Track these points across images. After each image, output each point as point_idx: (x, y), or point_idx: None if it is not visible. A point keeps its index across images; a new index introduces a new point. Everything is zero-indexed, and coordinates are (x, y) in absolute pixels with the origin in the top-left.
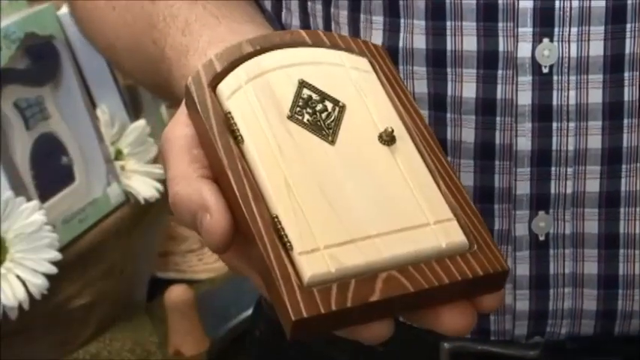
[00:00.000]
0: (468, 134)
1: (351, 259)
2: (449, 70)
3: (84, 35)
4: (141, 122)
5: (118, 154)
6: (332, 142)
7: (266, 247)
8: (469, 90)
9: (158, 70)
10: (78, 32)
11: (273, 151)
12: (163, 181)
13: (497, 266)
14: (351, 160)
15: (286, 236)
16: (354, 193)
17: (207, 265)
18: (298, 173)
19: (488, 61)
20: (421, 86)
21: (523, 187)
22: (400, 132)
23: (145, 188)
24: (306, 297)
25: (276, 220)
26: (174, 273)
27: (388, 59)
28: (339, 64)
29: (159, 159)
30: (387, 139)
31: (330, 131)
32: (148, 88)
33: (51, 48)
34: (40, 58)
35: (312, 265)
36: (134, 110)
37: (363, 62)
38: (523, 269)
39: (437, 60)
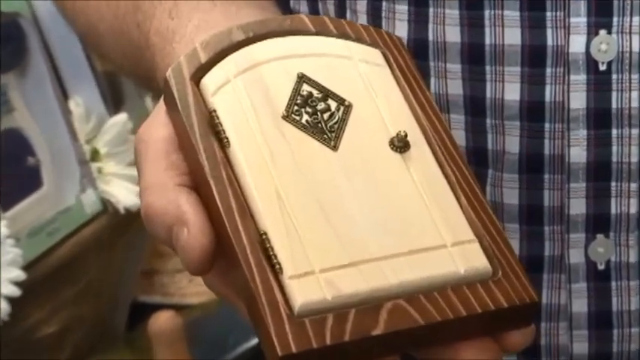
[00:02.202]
0: (512, 144)
1: (351, 286)
2: (488, 68)
3: (63, 17)
4: (122, 116)
5: (95, 155)
6: (334, 148)
7: (251, 268)
8: (512, 91)
9: (142, 58)
10: (48, 9)
11: (265, 157)
12: None
13: (525, 297)
14: (355, 169)
15: (275, 257)
16: (357, 207)
17: (199, 288)
18: (293, 184)
19: (534, 57)
20: (455, 87)
21: (577, 206)
22: (415, 137)
23: (126, 195)
24: (297, 329)
25: (264, 237)
26: (160, 296)
27: (405, 51)
28: (346, 56)
29: None
30: (400, 144)
31: (333, 135)
32: (133, 79)
33: (16, 28)
34: (4, 40)
35: (304, 292)
36: (114, 102)
37: (375, 54)
38: (580, 305)
39: (474, 56)
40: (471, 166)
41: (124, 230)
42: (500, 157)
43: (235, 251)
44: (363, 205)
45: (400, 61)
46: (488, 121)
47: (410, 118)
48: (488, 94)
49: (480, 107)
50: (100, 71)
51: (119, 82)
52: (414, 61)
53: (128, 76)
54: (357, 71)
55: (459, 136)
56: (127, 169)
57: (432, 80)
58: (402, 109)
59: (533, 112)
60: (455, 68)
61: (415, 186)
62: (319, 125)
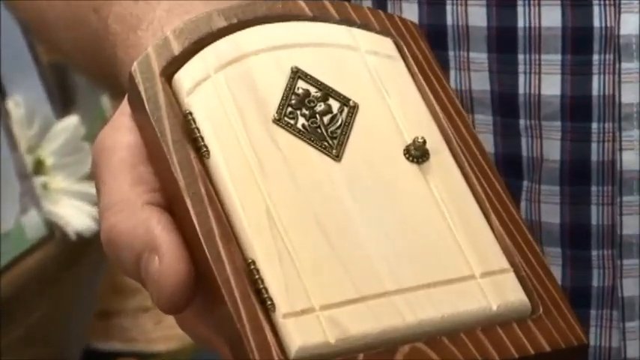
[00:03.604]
0: (551, 149)
1: (359, 325)
2: (521, 57)
3: (4, 3)
4: (72, 119)
5: (39, 167)
6: (337, 158)
7: (236, 305)
8: (551, 85)
9: (100, 50)
10: None
11: (252, 169)
12: None
13: (572, 339)
14: (363, 183)
15: (266, 290)
16: (366, 230)
17: (169, 331)
18: (287, 201)
19: (578, 42)
20: (481, 82)
21: (632, 225)
22: (436, 144)
23: (77, 217)
24: None
25: (252, 267)
26: (119, 342)
27: (423, 40)
28: (351, 46)
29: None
30: (417, 153)
31: (335, 142)
32: (88, 76)
33: None
34: None
35: (302, 333)
36: (63, 102)
37: (386, 44)
38: (635, 348)
39: (504, 43)
40: (502, 178)
41: (74, 260)
42: (537, 165)
43: (217, 284)
44: (373, 228)
45: (416, 51)
46: (521, 122)
47: (429, 122)
48: (521, 90)
49: (512, 106)
50: (45, 63)
51: (69, 76)
52: (432, 51)
53: (82, 72)
54: (364, 65)
55: (487, 141)
56: (78, 185)
57: (452, 74)
58: (419, 111)
59: (576, 109)
60: (480, 58)
61: (436, 203)
62: (318, 130)
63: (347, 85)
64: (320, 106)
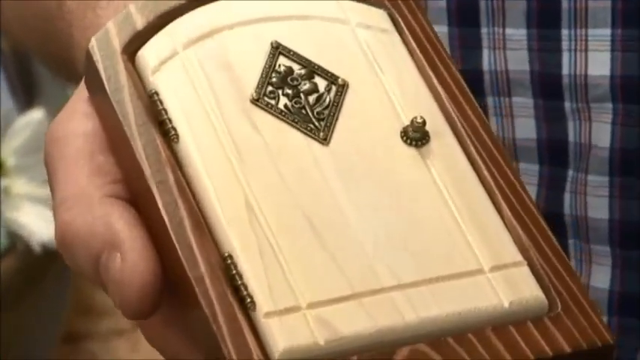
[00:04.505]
0: (601, 134)
1: (352, 325)
2: (565, 32)
3: None
4: (37, 114)
5: None
6: (325, 141)
7: (212, 305)
8: (600, 63)
9: (54, 31)
10: None
11: (228, 154)
12: None
13: (596, 339)
14: (354, 169)
15: (245, 287)
16: (359, 220)
17: (148, 355)
18: (268, 189)
19: (629, 14)
20: (519, 61)
21: None
22: (437, 125)
23: (42, 226)
24: None
25: (228, 262)
26: None
27: (422, 13)
28: (339, 18)
29: None
30: (416, 135)
31: (322, 124)
32: (45, 61)
33: None
34: None
35: (286, 334)
36: (25, 93)
37: (379, 16)
38: None
39: (545, 16)
40: (544, 166)
41: (39, 276)
42: (584, 153)
43: (189, 282)
44: (367, 218)
45: (414, 25)
46: (567, 104)
47: (429, 101)
48: (565, 70)
49: (556, 87)
50: (6, 51)
51: (33, 64)
52: (430, 23)
53: (41, 59)
54: (354, 39)
55: (527, 126)
56: (43, 189)
57: (485, 53)
58: (417, 90)
59: (629, 89)
60: (518, 35)
61: (439, 190)
62: (303, 111)
63: (335, 61)
64: (304, 85)
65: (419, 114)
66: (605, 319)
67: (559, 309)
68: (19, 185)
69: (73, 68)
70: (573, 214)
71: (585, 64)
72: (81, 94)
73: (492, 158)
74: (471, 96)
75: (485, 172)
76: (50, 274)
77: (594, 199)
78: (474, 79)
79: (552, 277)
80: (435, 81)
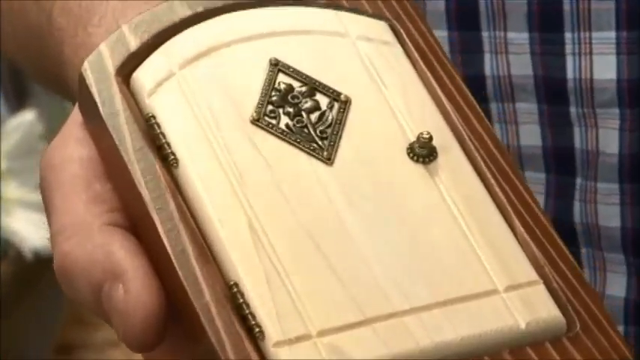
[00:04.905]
0: (609, 140)
1: (365, 352)
2: (569, 35)
3: None
4: (28, 115)
5: None
6: (329, 160)
7: (219, 335)
8: (606, 67)
9: (43, 48)
10: None
11: (229, 177)
12: None
13: (616, 357)
14: (361, 189)
15: (253, 316)
16: (368, 243)
17: None
18: (272, 213)
19: (634, 15)
20: (522, 65)
21: None
22: (444, 140)
23: (34, 232)
24: None
25: (235, 290)
26: None
27: (423, 22)
28: (338, 32)
29: None
30: (423, 152)
31: (326, 142)
32: (36, 77)
33: None
34: None
35: None
36: (17, 95)
37: (380, 28)
38: None
39: (548, 19)
40: (551, 175)
41: (31, 284)
42: (592, 160)
43: (195, 312)
44: (376, 240)
45: (416, 35)
46: (572, 109)
47: (435, 115)
48: (570, 74)
49: (560, 91)
50: None
51: None
52: (433, 34)
53: (29, 74)
54: (355, 53)
55: (532, 133)
56: (36, 194)
57: (487, 57)
58: (423, 103)
59: (637, 93)
60: (520, 39)
61: (448, 208)
62: (305, 130)
63: (336, 77)
64: (306, 103)
65: (425, 129)
66: (621, 328)
67: (578, 328)
68: (10, 190)
69: (64, 85)
70: (584, 222)
71: (590, 67)
72: (75, 118)
73: (501, 171)
74: (477, 106)
75: (496, 188)
76: (43, 282)
77: (605, 207)
78: (476, 85)
79: (569, 295)
80: (439, 92)
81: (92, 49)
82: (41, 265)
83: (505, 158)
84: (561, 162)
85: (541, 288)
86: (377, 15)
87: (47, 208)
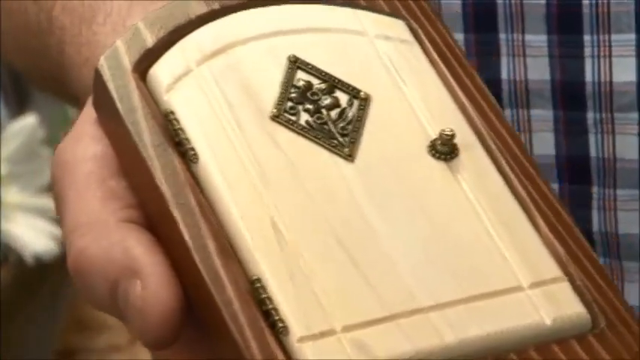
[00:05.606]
0: (627, 147)
1: (389, 348)
2: (587, 37)
3: None
4: (29, 120)
5: None
6: (350, 157)
7: (242, 330)
8: (625, 70)
9: (43, 48)
10: None
11: (251, 173)
12: None
13: None
14: (383, 186)
15: (276, 311)
16: (391, 239)
17: None
18: (294, 210)
19: None
20: (538, 69)
21: None
22: (465, 138)
23: (35, 237)
24: None
25: (257, 285)
26: None
27: (440, 22)
28: (357, 30)
29: None
30: (445, 149)
31: (347, 139)
32: (33, 78)
33: None
34: None
35: (322, 359)
36: (18, 98)
37: (398, 27)
38: None
39: (566, 21)
40: (565, 184)
41: (33, 289)
42: (609, 167)
43: (217, 308)
44: (400, 236)
45: (434, 35)
46: (589, 115)
47: (455, 113)
48: (588, 77)
49: (578, 97)
50: None
51: None
52: (451, 33)
53: (28, 76)
54: (374, 51)
55: (547, 140)
56: (37, 199)
57: (504, 61)
58: (443, 101)
59: None
60: (538, 41)
61: (471, 205)
62: (325, 127)
63: (355, 74)
64: (325, 100)
65: (446, 127)
66: None
67: (603, 325)
68: (11, 195)
69: (62, 86)
70: (602, 231)
71: (610, 70)
72: (87, 116)
73: (524, 171)
74: (498, 107)
75: (519, 186)
76: (45, 287)
77: (625, 214)
78: (491, 90)
79: (594, 293)
80: (459, 92)
81: (97, 48)
82: (42, 270)
83: (527, 158)
84: (576, 171)
85: (565, 285)
86: (394, 14)
87: (60, 206)
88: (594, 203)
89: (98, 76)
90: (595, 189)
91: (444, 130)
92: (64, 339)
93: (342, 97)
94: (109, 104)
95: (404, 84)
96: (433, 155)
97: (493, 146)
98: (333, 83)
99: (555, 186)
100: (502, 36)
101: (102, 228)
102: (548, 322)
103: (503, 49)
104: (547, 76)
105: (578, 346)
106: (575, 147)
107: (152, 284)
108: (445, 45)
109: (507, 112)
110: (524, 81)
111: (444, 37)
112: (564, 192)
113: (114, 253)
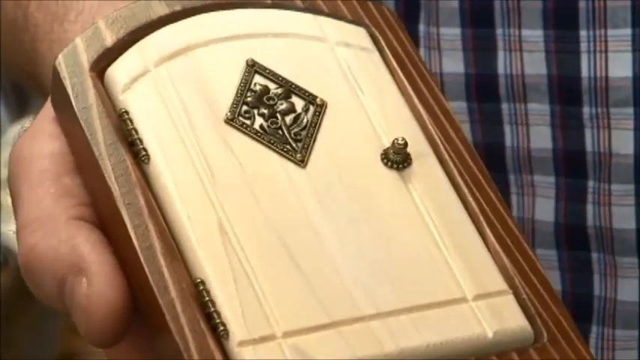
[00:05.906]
0: (623, 141)
1: (329, 355)
2: (583, 33)
3: None
4: (29, 124)
5: None
6: (302, 163)
7: (182, 332)
8: (621, 65)
9: (18, 43)
10: None
11: (201, 175)
12: None
13: None
14: (333, 193)
15: (218, 314)
16: (338, 246)
17: None
18: (242, 213)
19: None
20: (535, 64)
21: None
22: (419, 148)
23: None
24: None
25: (200, 287)
26: None
27: (402, 31)
28: (317, 36)
29: None
30: (397, 158)
31: (300, 145)
32: (11, 74)
33: None
34: None
35: None
36: (18, 102)
37: (359, 34)
38: None
39: (562, 17)
40: (561, 178)
41: (31, 293)
42: (604, 161)
43: (159, 308)
44: (346, 244)
45: (395, 44)
46: (585, 110)
47: (410, 122)
48: (584, 72)
49: (574, 91)
50: None
51: None
52: (412, 41)
53: (8, 74)
54: (333, 57)
55: (544, 134)
56: None
57: (501, 56)
58: (399, 110)
59: None
60: (534, 36)
61: (420, 215)
62: (279, 132)
63: (313, 80)
64: (281, 105)
65: (400, 135)
66: (635, 333)
67: (545, 339)
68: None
69: (37, 82)
70: (597, 225)
71: (606, 65)
72: (47, 112)
73: (476, 182)
74: (454, 117)
75: (469, 197)
76: None
77: (619, 209)
78: (488, 84)
79: (538, 306)
80: (416, 101)
81: (67, 45)
82: None
83: (479, 168)
84: (572, 165)
85: (510, 298)
86: (356, 21)
87: (14, 201)
88: (589, 197)
89: (56, 73)
90: (590, 183)
91: (397, 139)
92: (63, 343)
93: (298, 103)
94: (65, 102)
95: (361, 92)
96: (386, 164)
97: (446, 155)
98: (289, 88)
99: (552, 180)
100: (499, 31)
101: (52, 225)
102: (490, 334)
103: (500, 44)
104: (543, 71)
105: (519, 359)
106: (571, 141)
107: (97, 283)
108: (405, 53)
109: (505, 106)
110: (521, 75)
111: (404, 46)
112: (560, 186)
113: (62, 250)
